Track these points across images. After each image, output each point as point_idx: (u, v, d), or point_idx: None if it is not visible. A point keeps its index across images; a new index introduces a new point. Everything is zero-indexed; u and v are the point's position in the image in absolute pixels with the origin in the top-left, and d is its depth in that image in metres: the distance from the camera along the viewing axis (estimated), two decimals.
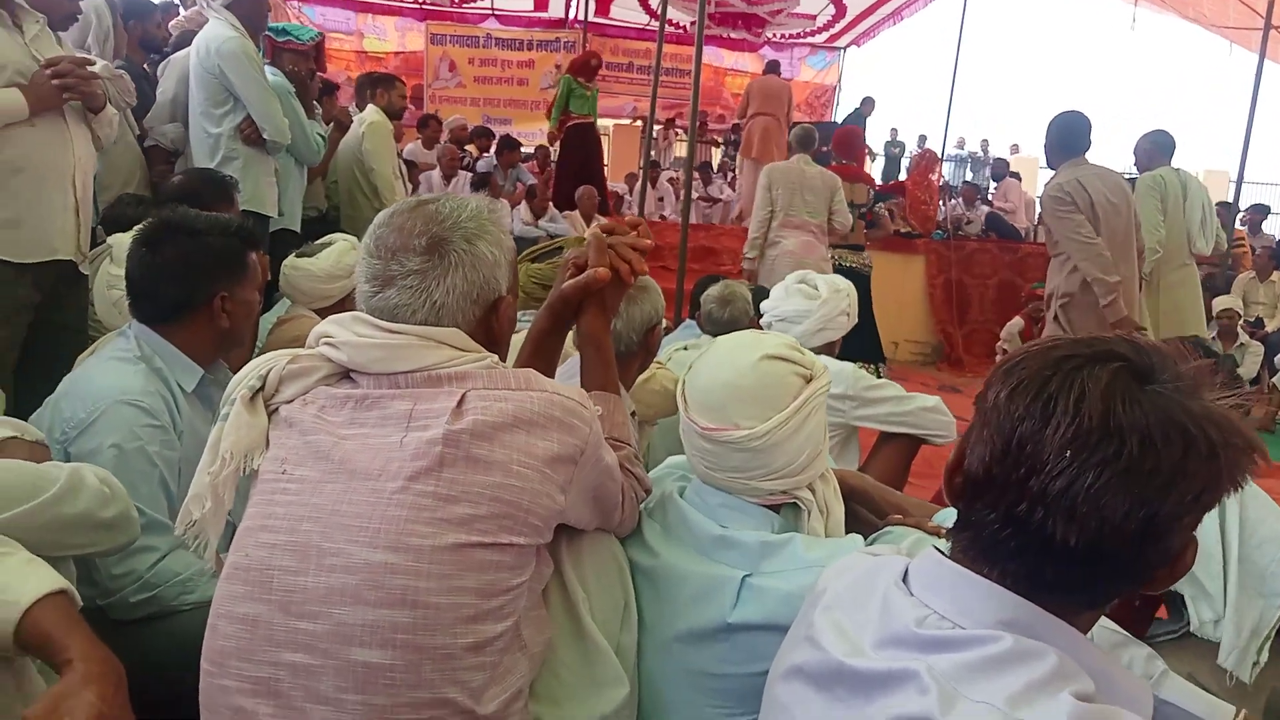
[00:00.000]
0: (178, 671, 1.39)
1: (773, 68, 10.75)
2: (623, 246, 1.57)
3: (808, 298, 3.04)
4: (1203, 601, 1.79)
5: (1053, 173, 4.46)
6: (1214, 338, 7.17)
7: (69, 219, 2.80)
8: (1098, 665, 0.90)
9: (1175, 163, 5.26)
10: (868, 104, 13.45)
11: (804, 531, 1.51)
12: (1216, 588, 1.78)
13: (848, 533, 1.59)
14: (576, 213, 8.59)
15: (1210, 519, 1.78)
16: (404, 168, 6.16)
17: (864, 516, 1.80)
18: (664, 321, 2.31)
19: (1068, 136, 4.38)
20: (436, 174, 8.60)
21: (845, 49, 16.27)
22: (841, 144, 7.07)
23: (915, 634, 0.92)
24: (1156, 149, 5.24)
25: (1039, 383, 0.89)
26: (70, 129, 2.79)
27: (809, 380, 1.50)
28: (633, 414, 2.31)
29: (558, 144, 9.27)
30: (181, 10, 5.56)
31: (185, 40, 4.36)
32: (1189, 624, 1.88)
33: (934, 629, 0.92)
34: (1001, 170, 12.50)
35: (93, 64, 2.84)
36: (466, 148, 10.04)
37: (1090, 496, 0.84)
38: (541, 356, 1.59)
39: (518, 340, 1.64)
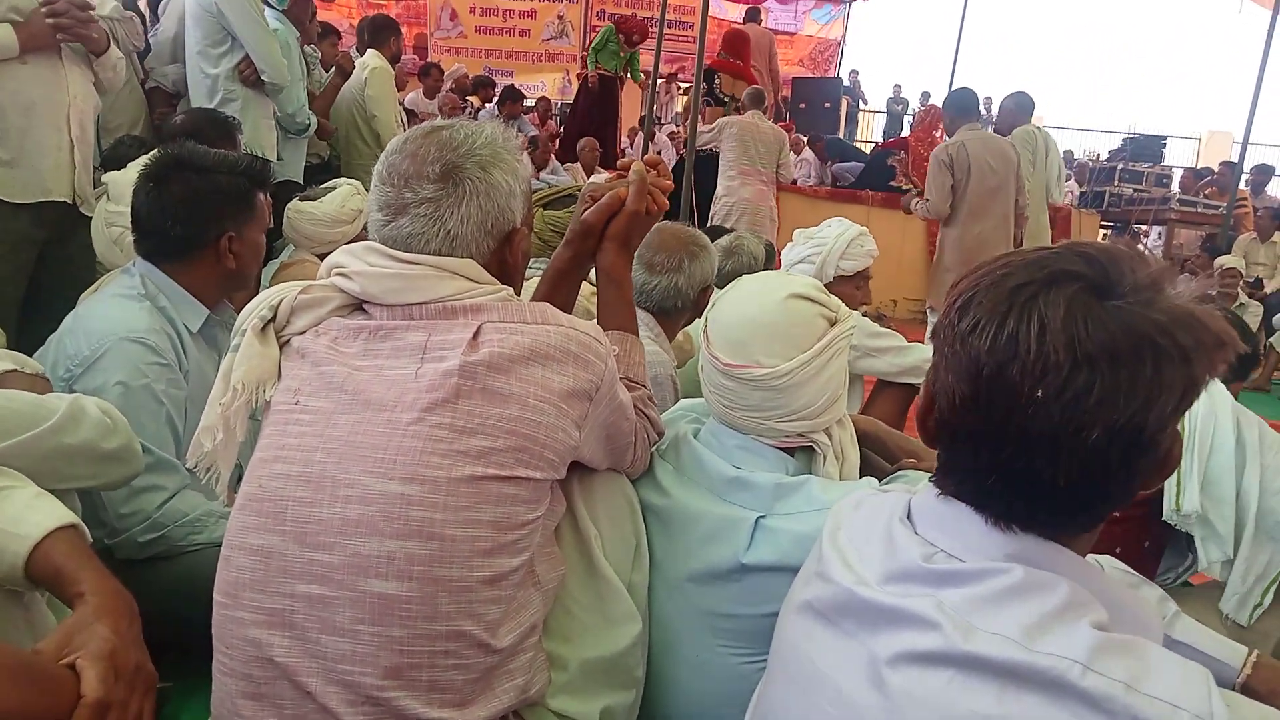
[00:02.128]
0: (185, 611, 1.39)
1: (752, 15, 10.11)
2: (648, 185, 1.55)
3: (792, 245, 3.21)
4: (1212, 542, 1.82)
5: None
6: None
7: (63, 159, 2.74)
8: (1107, 592, 0.88)
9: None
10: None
11: (819, 476, 1.50)
12: (1227, 529, 1.80)
13: (861, 477, 1.58)
14: (578, 165, 8.52)
15: (1225, 463, 1.79)
16: (405, 116, 6.08)
17: (876, 462, 1.79)
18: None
19: (963, 104, 5.25)
20: None
21: (851, 2, 15.99)
22: (729, 43, 8.36)
23: (923, 569, 0.90)
24: (1019, 109, 5.93)
25: (997, 319, 0.85)
26: (66, 68, 2.72)
27: (834, 324, 1.49)
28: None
29: (575, 92, 9.23)
30: None
31: None
32: (1195, 564, 1.91)
33: (942, 564, 0.90)
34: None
35: (93, 6, 2.77)
36: (469, 98, 9.94)
37: (1071, 432, 0.81)
38: (559, 292, 1.57)
39: (528, 289, 1.62)
